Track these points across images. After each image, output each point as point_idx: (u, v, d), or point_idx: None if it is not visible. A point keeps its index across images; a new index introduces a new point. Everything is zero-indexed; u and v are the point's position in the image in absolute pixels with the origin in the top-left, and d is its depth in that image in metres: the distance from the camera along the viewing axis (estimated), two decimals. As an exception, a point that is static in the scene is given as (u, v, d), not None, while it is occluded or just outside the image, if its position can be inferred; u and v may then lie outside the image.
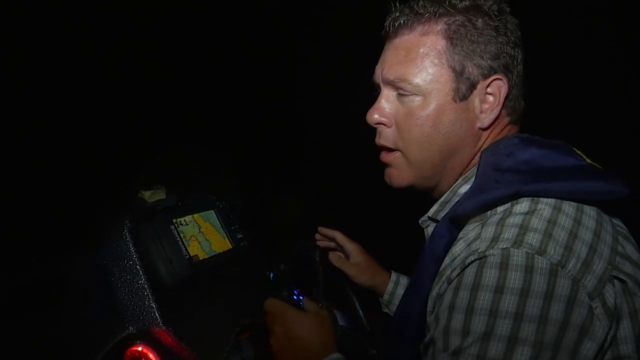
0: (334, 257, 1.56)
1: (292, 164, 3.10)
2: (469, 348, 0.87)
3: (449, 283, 0.97)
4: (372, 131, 1.23)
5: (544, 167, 1.00)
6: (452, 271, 0.98)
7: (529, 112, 1.23)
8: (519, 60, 1.11)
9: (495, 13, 1.09)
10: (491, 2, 1.10)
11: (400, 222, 1.83)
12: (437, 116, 1.10)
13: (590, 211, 0.98)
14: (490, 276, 0.89)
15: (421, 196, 1.25)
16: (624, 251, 0.99)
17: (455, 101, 1.09)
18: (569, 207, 0.96)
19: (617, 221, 1.07)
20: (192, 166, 1.64)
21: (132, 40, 2.39)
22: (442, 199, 1.18)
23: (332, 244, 1.65)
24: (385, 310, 1.61)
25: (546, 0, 2.26)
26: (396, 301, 1.57)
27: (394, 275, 1.60)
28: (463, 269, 0.94)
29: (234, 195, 1.71)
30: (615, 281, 0.92)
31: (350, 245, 1.58)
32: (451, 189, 1.17)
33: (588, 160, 1.08)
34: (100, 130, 1.99)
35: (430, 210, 1.22)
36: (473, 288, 0.90)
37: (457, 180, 1.16)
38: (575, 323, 0.86)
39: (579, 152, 1.10)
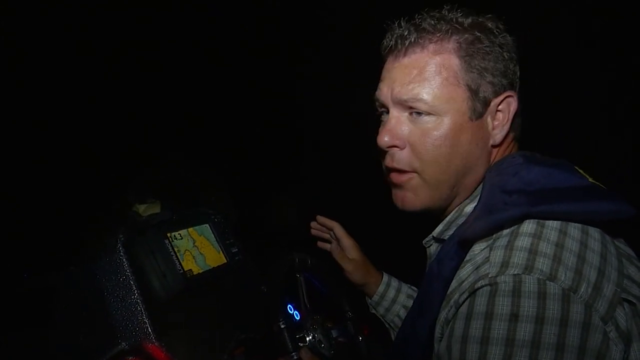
0: (335, 250, 1.54)
1: (289, 172, 3.09)
2: None
3: (457, 308, 0.95)
4: (373, 135, 1.19)
5: (550, 187, 0.99)
6: (460, 295, 0.95)
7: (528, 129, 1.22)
8: (518, 77, 1.10)
9: (498, 30, 1.08)
10: (491, 20, 1.09)
11: (400, 234, 1.81)
12: (455, 136, 1.07)
13: (594, 233, 0.97)
14: (503, 304, 0.87)
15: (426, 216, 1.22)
16: (629, 273, 0.97)
17: (472, 120, 1.07)
18: (574, 229, 0.95)
19: (619, 242, 1.04)
20: (187, 180, 1.62)
21: (126, 42, 2.37)
22: (447, 218, 1.16)
23: (326, 235, 1.62)
24: (372, 311, 1.59)
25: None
26: (385, 303, 1.56)
27: (385, 277, 1.58)
28: (472, 293, 0.92)
29: (230, 209, 1.70)
30: (625, 304, 0.90)
31: (347, 240, 1.55)
32: (457, 208, 1.14)
33: (590, 180, 1.05)
34: (93, 142, 1.97)
35: (435, 230, 1.19)
36: (486, 317, 0.87)
37: (464, 197, 1.14)
38: (592, 349, 0.84)
39: (580, 171, 1.08)
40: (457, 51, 1.06)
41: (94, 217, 1.51)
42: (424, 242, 1.23)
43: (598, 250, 0.93)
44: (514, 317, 0.85)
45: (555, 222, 0.95)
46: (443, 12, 1.10)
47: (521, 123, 1.15)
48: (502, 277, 0.88)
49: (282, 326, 1.35)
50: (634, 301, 0.91)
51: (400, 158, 1.12)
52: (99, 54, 2.32)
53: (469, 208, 1.12)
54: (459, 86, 1.06)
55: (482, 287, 0.90)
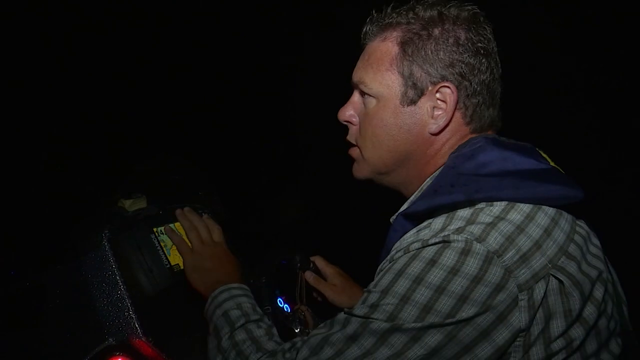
0: (310, 277, 1.55)
1: (281, 170, 3.09)
2: (386, 305, 0.93)
3: (390, 262, 1.01)
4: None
5: (503, 170, 1.02)
6: (397, 252, 1.01)
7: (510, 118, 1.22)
8: (482, 69, 1.11)
9: (460, 21, 1.11)
10: (460, 11, 1.12)
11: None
12: (387, 119, 1.15)
13: (548, 210, 1.00)
14: (427, 251, 0.95)
15: (395, 197, 1.26)
16: (576, 252, 0.99)
17: (403, 105, 1.13)
18: (524, 205, 0.98)
19: (580, 222, 1.08)
20: (174, 175, 1.62)
21: (117, 41, 2.38)
22: (411, 198, 1.20)
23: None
24: None
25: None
26: None
27: None
28: (406, 252, 0.98)
29: (218, 204, 1.69)
30: (554, 280, 0.93)
31: (328, 269, 1.58)
32: (419, 188, 1.18)
33: (552, 164, 1.09)
34: (78, 139, 1.97)
35: (401, 209, 1.22)
36: (411, 257, 0.96)
37: (424, 180, 1.18)
38: (496, 307, 0.89)
39: (543, 155, 1.11)
40: (398, 39, 1.13)
41: (79, 214, 1.51)
42: (391, 219, 1.24)
43: (543, 225, 0.97)
44: (432, 262, 0.93)
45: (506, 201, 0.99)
46: (412, 3, 1.15)
47: (489, 115, 1.15)
48: (434, 239, 0.95)
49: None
50: (563, 279, 0.94)
51: (351, 133, 1.25)
52: (89, 53, 2.33)
53: None
54: (393, 72, 1.14)
55: (415, 248, 0.97)
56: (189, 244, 1.41)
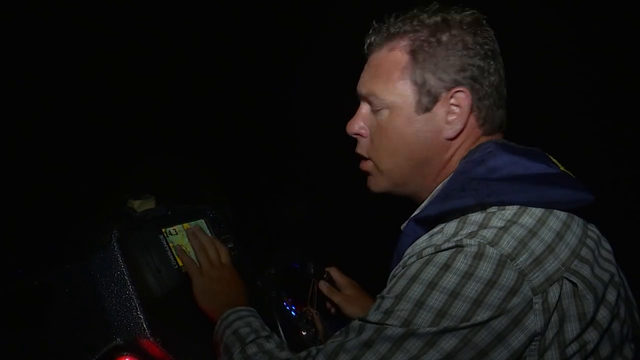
0: (324, 287, 1.56)
1: (286, 171, 3.09)
2: (400, 311, 0.94)
3: (404, 267, 1.01)
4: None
5: (513, 175, 1.03)
6: (409, 258, 1.02)
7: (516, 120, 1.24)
8: (491, 71, 1.13)
9: (465, 26, 1.12)
10: (463, 15, 1.13)
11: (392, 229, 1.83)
12: (402, 128, 1.14)
13: (560, 214, 1.01)
14: (441, 256, 0.95)
15: (405, 203, 1.26)
16: (588, 256, 1.00)
17: (417, 113, 1.13)
18: (536, 209, 0.99)
19: (591, 226, 1.09)
20: (182, 176, 1.62)
21: (117, 46, 2.38)
22: (423, 204, 1.20)
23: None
24: None
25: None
26: None
27: None
28: (420, 258, 0.98)
29: (225, 205, 1.70)
30: (567, 283, 0.94)
31: (342, 280, 1.60)
32: (430, 195, 1.19)
33: (561, 168, 1.10)
34: (87, 139, 1.97)
35: (412, 216, 1.22)
36: (424, 262, 0.97)
37: (436, 187, 1.18)
38: (511, 311, 0.90)
39: (553, 160, 1.12)
40: (407, 48, 1.13)
41: (88, 214, 1.51)
42: (402, 227, 1.24)
43: (556, 229, 0.98)
44: (446, 266, 0.94)
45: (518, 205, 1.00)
46: (414, 11, 1.16)
47: (499, 117, 1.17)
48: (447, 244, 0.96)
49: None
50: (577, 282, 0.95)
51: (361, 145, 1.23)
52: (90, 52, 2.33)
53: None
54: (405, 81, 1.13)
55: (428, 254, 0.98)
56: (198, 264, 1.44)
